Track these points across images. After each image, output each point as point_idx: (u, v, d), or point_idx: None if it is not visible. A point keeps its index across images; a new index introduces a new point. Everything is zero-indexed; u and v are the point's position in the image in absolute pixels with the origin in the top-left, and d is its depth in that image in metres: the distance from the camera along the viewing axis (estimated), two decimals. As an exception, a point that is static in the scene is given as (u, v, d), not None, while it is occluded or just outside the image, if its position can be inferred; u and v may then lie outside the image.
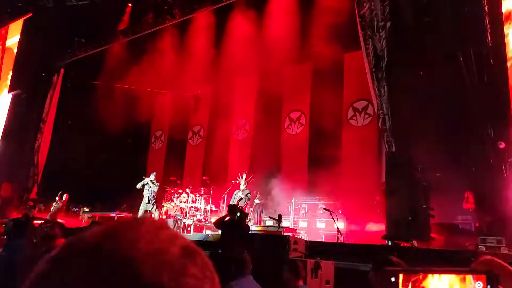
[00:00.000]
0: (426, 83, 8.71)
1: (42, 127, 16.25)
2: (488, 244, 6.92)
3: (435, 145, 7.83)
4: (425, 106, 8.51)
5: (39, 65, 16.50)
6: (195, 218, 12.31)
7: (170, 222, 11.67)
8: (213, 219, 10.84)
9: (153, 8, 14.69)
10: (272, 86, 13.56)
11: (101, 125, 14.90)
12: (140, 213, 11.57)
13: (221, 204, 12.47)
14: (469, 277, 0.57)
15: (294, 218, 11.89)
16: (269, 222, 10.78)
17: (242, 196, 10.72)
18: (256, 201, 11.95)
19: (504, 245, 6.80)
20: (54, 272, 0.48)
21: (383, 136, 9.21)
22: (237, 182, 11.36)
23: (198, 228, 12.05)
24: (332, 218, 8.78)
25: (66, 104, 16.37)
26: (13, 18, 17.62)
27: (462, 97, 8.48)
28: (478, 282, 0.57)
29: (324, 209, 10.05)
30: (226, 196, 11.98)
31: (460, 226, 8.97)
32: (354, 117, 12.64)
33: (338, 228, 8.50)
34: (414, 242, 7.66)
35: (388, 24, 9.30)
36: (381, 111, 9.10)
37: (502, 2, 8.72)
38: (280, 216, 9.34)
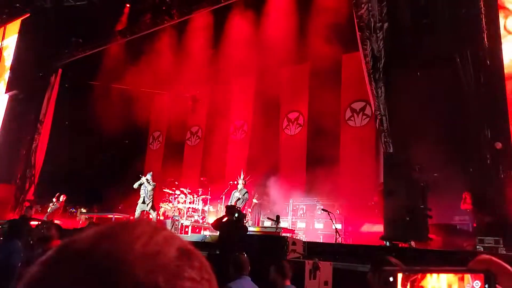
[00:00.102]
0: (423, 84, 8.74)
1: (39, 128, 16.21)
2: (486, 245, 6.93)
3: (432, 146, 7.84)
4: (423, 107, 8.54)
5: (36, 65, 16.47)
6: (193, 219, 12.30)
7: (168, 223, 11.65)
8: (211, 220, 10.85)
9: (151, 9, 14.69)
10: (270, 87, 13.57)
11: (99, 126, 14.88)
12: (137, 214, 11.55)
13: (219, 205, 12.46)
14: (467, 276, 0.57)
15: (292, 218, 11.89)
16: (267, 223, 10.77)
17: (240, 196, 10.71)
18: (254, 200, 11.96)
19: (502, 246, 6.81)
20: (48, 275, 0.47)
21: (380, 136, 9.22)
22: (235, 183, 11.34)
23: (196, 229, 12.04)
24: (330, 219, 8.78)
25: (64, 104, 16.33)
26: (11, 18, 17.60)
27: (459, 97, 8.51)
28: (476, 281, 0.57)
29: (322, 209, 10.06)
30: (224, 197, 11.96)
31: (458, 227, 8.99)
32: (352, 118, 12.66)
33: (336, 228, 8.51)
34: (412, 243, 7.67)
35: (386, 25, 9.33)
36: (378, 112, 9.12)
37: (499, 3, 8.76)
38: (278, 217, 9.34)
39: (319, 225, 11.24)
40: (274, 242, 6.92)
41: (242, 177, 11.28)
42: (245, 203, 10.97)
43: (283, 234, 8.76)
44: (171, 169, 15.49)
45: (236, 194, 10.84)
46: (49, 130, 16.51)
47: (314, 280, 5.68)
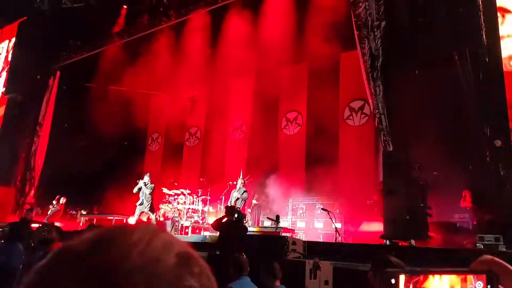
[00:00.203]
0: (422, 82, 8.74)
1: (38, 131, 16.19)
2: (486, 242, 6.93)
3: (432, 144, 7.85)
4: (422, 105, 8.54)
5: (34, 68, 16.45)
6: (192, 220, 12.30)
7: (168, 224, 11.65)
8: (211, 221, 10.84)
9: (148, 10, 14.68)
10: (268, 87, 13.56)
11: (98, 128, 14.86)
12: (136, 215, 11.55)
13: (218, 205, 12.46)
14: (470, 277, 0.57)
15: (292, 218, 11.89)
16: (267, 223, 10.77)
17: (238, 196, 10.71)
18: (254, 201, 11.95)
19: (502, 243, 6.82)
20: (43, 283, 0.46)
21: (380, 135, 9.23)
22: (234, 183, 11.34)
23: (196, 230, 12.04)
24: (330, 218, 8.79)
25: (63, 107, 16.31)
26: (8, 21, 17.57)
27: (458, 96, 8.52)
28: (479, 282, 0.57)
29: (322, 209, 10.07)
30: (223, 197, 11.97)
31: (458, 225, 8.99)
32: (351, 117, 12.66)
33: (336, 228, 8.51)
34: (412, 241, 7.68)
35: (383, 23, 9.32)
36: (377, 111, 9.12)
37: (497, 1, 8.77)
38: (278, 217, 9.34)
39: (319, 225, 11.24)
40: (274, 242, 6.92)
41: (241, 177, 11.28)
42: (245, 203, 10.97)
43: (283, 234, 8.76)
44: (171, 170, 15.49)
45: (234, 194, 10.83)
46: (48, 132, 16.49)
47: (314, 280, 5.68)
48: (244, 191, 10.86)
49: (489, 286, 0.57)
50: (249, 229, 8.65)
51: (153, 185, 11.71)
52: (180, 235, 11.16)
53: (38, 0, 16.47)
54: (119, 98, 15.58)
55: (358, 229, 10.32)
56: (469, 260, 0.67)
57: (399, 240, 7.81)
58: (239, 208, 10.13)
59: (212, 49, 14.25)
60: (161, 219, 12.55)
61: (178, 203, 12.81)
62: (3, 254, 4.20)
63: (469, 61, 8.28)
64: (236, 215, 7.33)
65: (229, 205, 9.67)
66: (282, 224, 10.23)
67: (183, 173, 16.14)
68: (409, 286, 0.57)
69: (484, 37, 8.27)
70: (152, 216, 11.55)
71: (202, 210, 12.71)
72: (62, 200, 13.62)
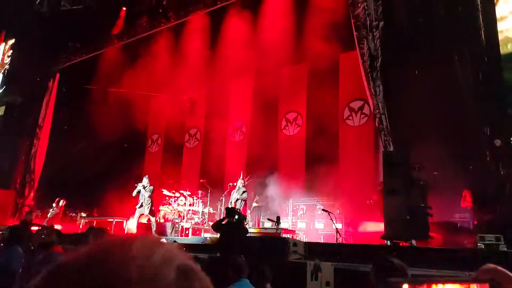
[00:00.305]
0: (422, 82, 8.74)
1: (38, 133, 16.19)
2: (486, 242, 6.92)
3: (432, 144, 7.84)
4: (422, 105, 8.54)
5: (34, 70, 16.45)
6: (193, 221, 12.28)
7: (168, 225, 11.64)
8: (211, 222, 10.83)
9: (148, 12, 14.69)
10: (268, 87, 13.55)
11: (97, 130, 14.86)
12: (135, 217, 11.54)
13: (219, 206, 12.44)
14: (473, 286, 0.57)
15: (292, 219, 11.88)
16: (268, 224, 10.75)
17: (238, 196, 10.69)
18: (254, 204, 11.92)
19: (502, 243, 6.80)
20: None
21: (380, 135, 9.22)
22: (235, 184, 11.32)
23: (196, 231, 12.03)
24: (331, 219, 8.77)
25: (62, 109, 16.30)
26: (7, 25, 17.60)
27: (458, 95, 8.51)
28: None
29: (323, 210, 10.04)
30: (224, 198, 11.95)
31: (458, 225, 8.97)
32: (350, 117, 12.65)
33: (337, 228, 8.49)
34: (413, 241, 7.66)
35: (381, 23, 9.32)
36: (377, 111, 9.11)
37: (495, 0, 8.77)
38: (278, 218, 9.32)
39: (319, 225, 11.23)
40: (275, 244, 6.90)
41: (241, 177, 11.27)
42: (245, 204, 10.96)
43: (284, 235, 8.74)
44: (170, 172, 15.48)
45: (234, 195, 10.82)
46: (48, 134, 16.49)
47: (315, 281, 5.67)
48: (244, 192, 10.84)
49: None
50: (250, 230, 8.63)
51: (152, 187, 11.68)
52: (180, 237, 11.15)
53: (38, 2, 16.48)
54: (118, 100, 15.58)
55: (359, 229, 10.30)
56: (470, 260, 0.67)
57: (399, 241, 7.80)
58: (240, 209, 10.13)
59: (212, 50, 14.26)
60: (161, 221, 12.54)
61: (178, 204, 12.79)
62: (2, 257, 4.19)
63: (468, 60, 8.28)
64: (236, 217, 7.32)
65: (229, 206, 9.66)
66: (283, 225, 10.21)
67: (183, 175, 16.13)
68: None
69: (483, 36, 8.27)
70: (152, 219, 11.53)
71: (202, 211, 12.70)
72: (62, 203, 13.61)
